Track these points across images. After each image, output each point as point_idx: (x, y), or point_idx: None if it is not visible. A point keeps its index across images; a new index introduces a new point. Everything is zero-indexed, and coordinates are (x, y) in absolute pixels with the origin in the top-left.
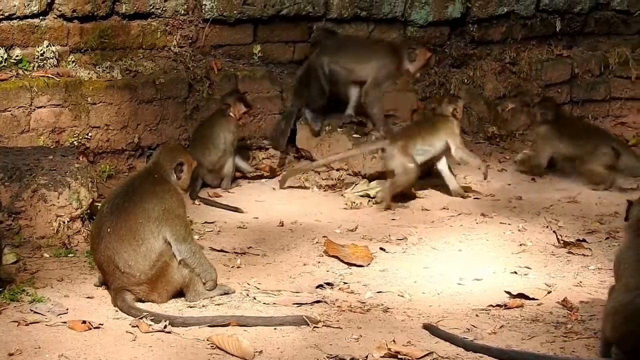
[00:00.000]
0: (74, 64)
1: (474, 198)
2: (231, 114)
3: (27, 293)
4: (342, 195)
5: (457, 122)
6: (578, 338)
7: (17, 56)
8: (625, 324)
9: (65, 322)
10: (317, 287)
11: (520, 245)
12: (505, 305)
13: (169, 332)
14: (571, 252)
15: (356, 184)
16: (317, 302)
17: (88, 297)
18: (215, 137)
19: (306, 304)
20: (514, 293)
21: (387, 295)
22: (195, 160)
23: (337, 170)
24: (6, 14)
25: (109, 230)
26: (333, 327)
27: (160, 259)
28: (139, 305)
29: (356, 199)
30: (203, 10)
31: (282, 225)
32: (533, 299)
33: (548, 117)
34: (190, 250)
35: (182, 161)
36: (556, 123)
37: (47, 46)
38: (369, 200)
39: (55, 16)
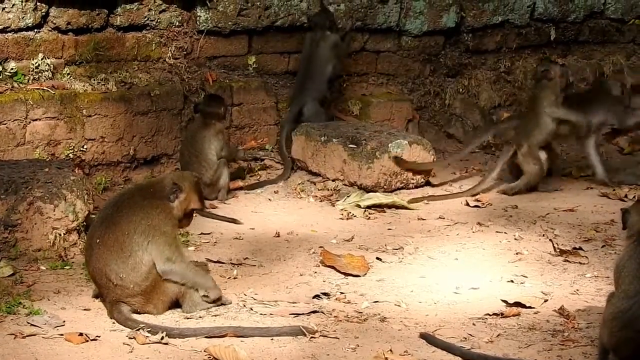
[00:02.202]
0: (69, 77)
1: (474, 207)
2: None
3: (24, 306)
4: (333, 205)
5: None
6: (575, 346)
7: (12, 69)
8: (622, 330)
9: (62, 335)
10: (314, 297)
11: (517, 254)
12: (502, 314)
13: (166, 344)
14: (567, 261)
15: (348, 195)
16: (314, 312)
17: (85, 310)
18: (207, 152)
19: (303, 314)
20: (511, 302)
21: (383, 304)
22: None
23: (333, 180)
24: (0, 27)
25: (98, 241)
26: (330, 337)
27: (152, 270)
28: (136, 316)
29: (352, 209)
30: (197, 22)
31: (279, 236)
32: (530, 307)
33: None
34: (173, 271)
35: (181, 187)
36: None
37: (42, 59)
38: (365, 211)
39: (50, 29)
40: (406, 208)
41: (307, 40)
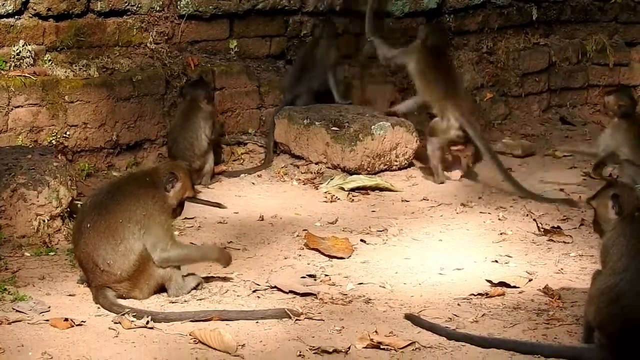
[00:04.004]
0: (50, 63)
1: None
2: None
3: (9, 292)
4: (316, 188)
5: None
6: (560, 325)
7: None
8: (608, 306)
9: (47, 320)
10: (299, 279)
11: (501, 234)
12: (487, 294)
13: (152, 328)
14: (552, 240)
15: (332, 178)
16: (300, 294)
17: (70, 295)
18: (201, 138)
19: (289, 296)
20: (495, 281)
21: (368, 286)
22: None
23: (316, 163)
24: None
25: (88, 225)
26: (315, 320)
27: (141, 257)
28: (121, 301)
29: (336, 192)
30: (178, 6)
31: (262, 220)
32: (514, 287)
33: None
34: (170, 259)
35: (177, 176)
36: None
37: (23, 45)
38: (349, 193)
39: (31, 15)
40: (390, 190)
41: (316, 33)
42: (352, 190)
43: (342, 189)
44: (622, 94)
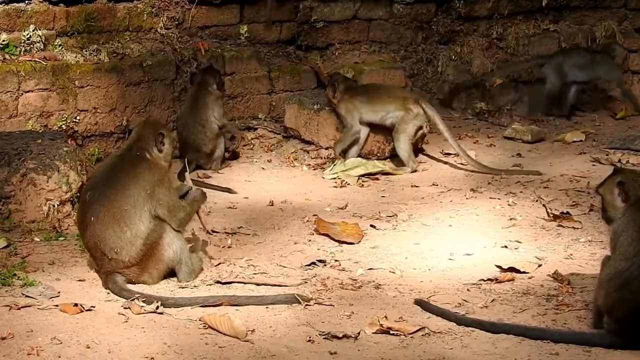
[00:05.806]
0: (60, 48)
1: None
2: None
3: (19, 277)
4: (322, 177)
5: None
6: (569, 310)
7: (3, 41)
8: (618, 291)
9: (57, 305)
10: (308, 265)
11: (510, 219)
12: (496, 279)
13: (161, 313)
14: (561, 226)
15: (335, 164)
16: (309, 279)
17: (79, 280)
18: (212, 121)
19: (298, 282)
20: (505, 267)
21: (378, 272)
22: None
23: (326, 149)
24: None
25: (92, 219)
26: (325, 305)
27: (147, 240)
28: (130, 286)
29: (346, 177)
30: None
31: (272, 205)
32: (524, 272)
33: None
34: (183, 219)
35: (163, 132)
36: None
37: (33, 30)
38: (358, 179)
39: (41, 0)
40: (392, 174)
41: None
42: (361, 176)
43: (349, 175)
44: (334, 78)
